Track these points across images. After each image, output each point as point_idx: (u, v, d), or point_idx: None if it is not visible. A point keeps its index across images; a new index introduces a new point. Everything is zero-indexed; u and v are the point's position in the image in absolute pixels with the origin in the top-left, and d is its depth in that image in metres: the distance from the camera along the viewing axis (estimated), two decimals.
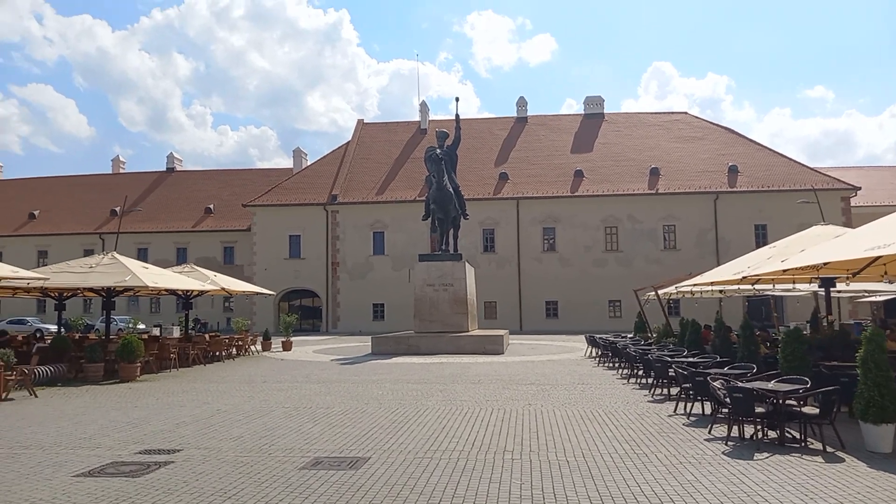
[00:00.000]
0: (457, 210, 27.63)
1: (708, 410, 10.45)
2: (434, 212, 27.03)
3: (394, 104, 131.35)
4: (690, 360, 13.00)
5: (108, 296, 19.25)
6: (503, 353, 24.14)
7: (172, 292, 23.46)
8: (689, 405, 10.96)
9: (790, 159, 47.40)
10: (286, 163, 60.28)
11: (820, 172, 45.64)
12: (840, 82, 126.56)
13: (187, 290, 23.07)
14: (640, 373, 15.52)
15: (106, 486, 6.71)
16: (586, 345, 24.46)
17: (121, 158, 64.17)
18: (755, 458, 7.67)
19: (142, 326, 39.68)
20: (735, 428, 8.61)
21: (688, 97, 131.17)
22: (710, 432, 9.12)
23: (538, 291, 45.86)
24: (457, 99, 28.96)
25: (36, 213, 56.51)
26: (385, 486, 6.65)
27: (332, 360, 22.52)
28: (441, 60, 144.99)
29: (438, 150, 26.80)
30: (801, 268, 11.42)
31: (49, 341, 19.05)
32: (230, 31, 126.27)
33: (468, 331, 26.18)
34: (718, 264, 43.01)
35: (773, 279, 14.55)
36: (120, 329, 36.58)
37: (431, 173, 26.73)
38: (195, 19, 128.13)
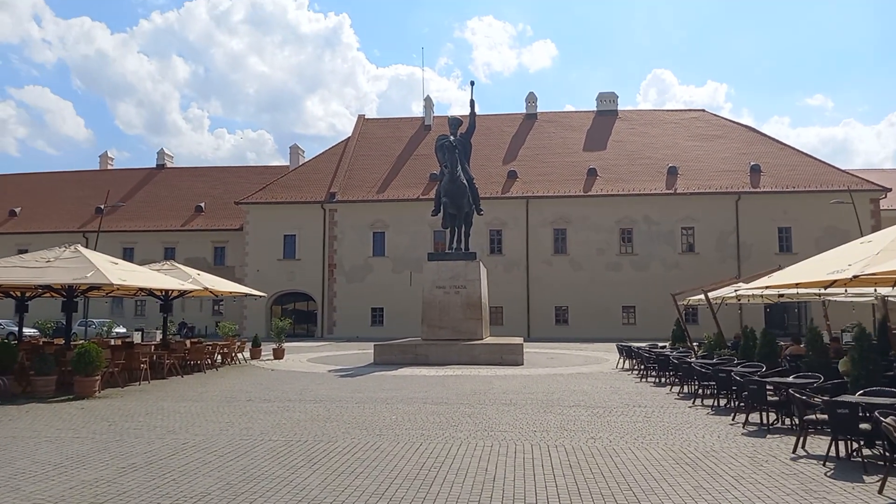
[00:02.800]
0: (470, 205, 24.86)
1: (842, 451, 7.75)
2: (446, 206, 24.20)
3: (393, 109, 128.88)
4: (788, 380, 10.26)
5: (70, 295, 16.42)
6: (523, 364, 21.42)
7: (149, 292, 20.62)
8: (806, 441, 8.26)
9: (815, 159, 44.75)
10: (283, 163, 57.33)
11: (849, 173, 43.03)
12: (840, 91, 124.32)
13: (166, 290, 20.25)
14: (707, 392, 12.78)
15: None
16: (617, 355, 21.71)
17: (109, 155, 61.11)
18: None
19: (122, 330, 36.87)
20: None
21: (687, 104, 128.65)
22: (881, 493, 6.37)
23: (547, 296, 43.08)
24: (472, 83, 26.22)
25: (17, 210, 53.48)
26: None
27: (329, 370, 19.70)
28: (441, 66, 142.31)
29: (451, 138, 24.06)
30: None
31: None
32: (230, 35, 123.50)
33: (482, 338, 23.44)
34: (740, 269, 40.81)
35: (872, 281, 11.87)
36: (99, 334, 33.75)
37: (443, 163, 23.85)
38: (195, 23, 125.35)
